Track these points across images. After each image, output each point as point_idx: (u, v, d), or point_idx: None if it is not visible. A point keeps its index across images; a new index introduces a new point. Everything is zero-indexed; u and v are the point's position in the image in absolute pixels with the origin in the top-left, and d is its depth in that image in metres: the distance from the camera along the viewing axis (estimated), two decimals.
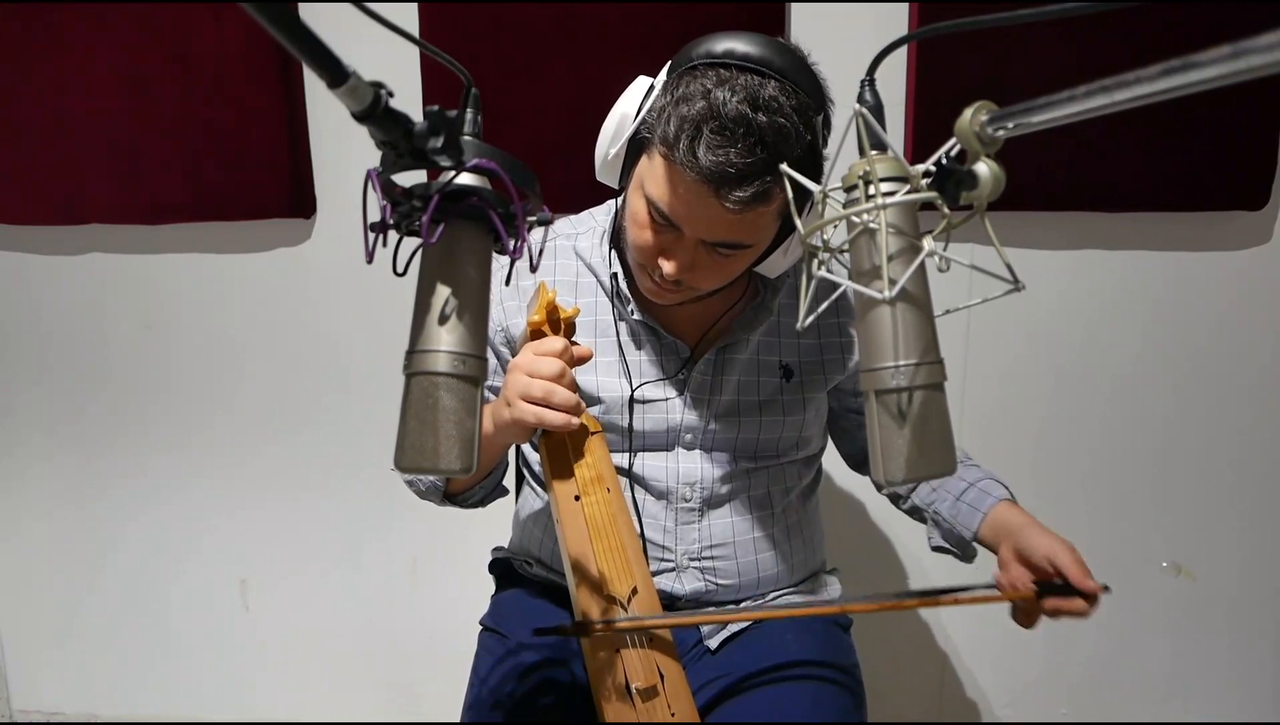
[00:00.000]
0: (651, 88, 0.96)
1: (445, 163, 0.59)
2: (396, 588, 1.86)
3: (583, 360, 0.97)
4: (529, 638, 1.12)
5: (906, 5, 1.49)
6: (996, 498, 1.07)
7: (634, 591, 0.99)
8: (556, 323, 0.98)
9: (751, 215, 0.90)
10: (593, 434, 1.05)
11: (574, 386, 0.92)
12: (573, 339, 0.98)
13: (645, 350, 1.10)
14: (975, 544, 1.09)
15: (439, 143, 0.58)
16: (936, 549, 1.15)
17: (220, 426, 1.82)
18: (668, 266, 0.95)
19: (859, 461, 1.26)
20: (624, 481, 1.10)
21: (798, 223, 0.68)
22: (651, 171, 0.94)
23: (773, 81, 0.87)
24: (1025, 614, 0.97)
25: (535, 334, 0.98)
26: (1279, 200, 1.56)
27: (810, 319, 0.65)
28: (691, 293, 1.00)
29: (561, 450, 1.04)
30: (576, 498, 1.02)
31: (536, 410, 0.91)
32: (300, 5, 1.53)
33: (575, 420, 0.92)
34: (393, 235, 0.64)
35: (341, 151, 1.66)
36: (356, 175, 1.39)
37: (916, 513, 1.18)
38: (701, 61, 0.89)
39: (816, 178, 0.94)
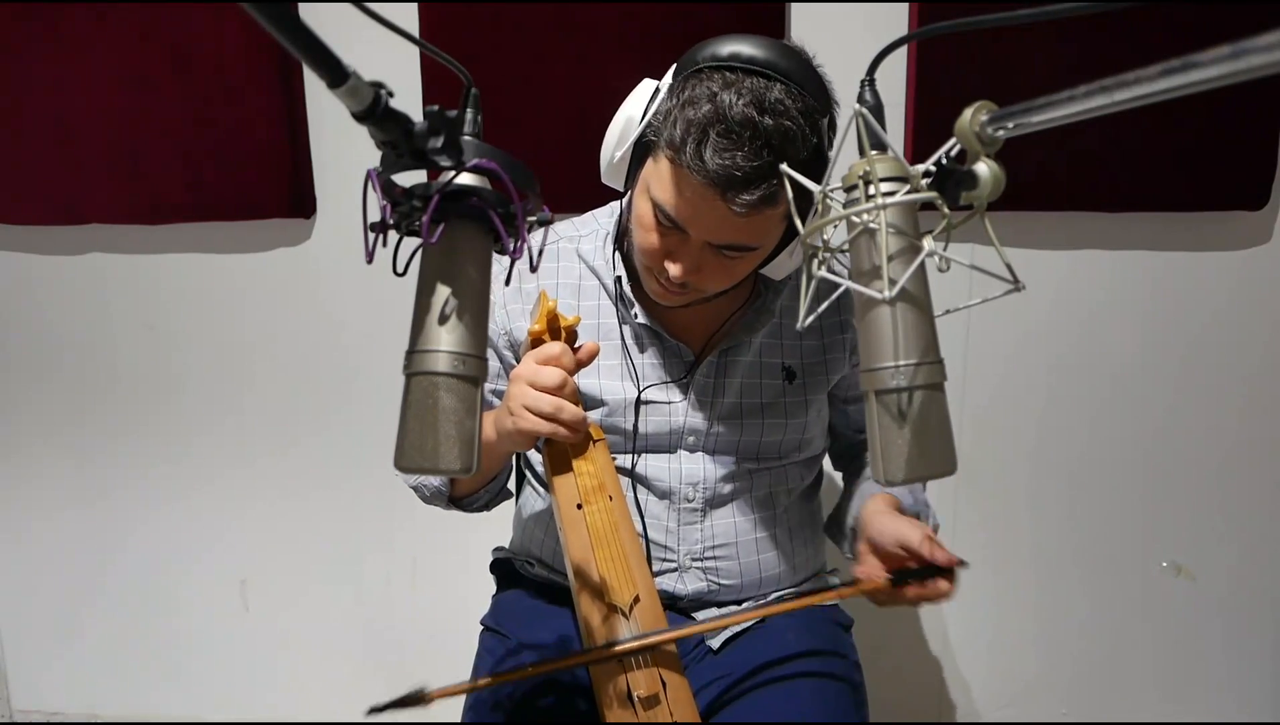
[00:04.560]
0: (657, 91, 0.95)
1: (445, 163, 0.59)
2: (397, 588, 1.86)
3: (589, 358, 0.97)
4: (529, 638, 1.12)
5: (906, 5, 1.49)
6: (882, 491, 1.06)
7: (636, 600, 0.99)
8: (558, 332, 0.98)
9: (759, 218, 0.90)
10: (595, 442, 1.05)
11: (576, 395, 0.92)
12: (575, 346, 0.98)
13: (649, 353, 1.10)
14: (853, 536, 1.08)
15: (439, 143, 0.58)
16: (825, 529, 1.18)
17: (220, 426, 1.82)
18: (674, 269, 0.95)
19: (836, 461, 1.27)
20: (626, 482, 1.10)
21: (799, 224, 0.68)
22: (657, 174, 0.93)
23: (779, 84, 0.87)
24: (885, 599, 0.95)
25: (536, 343, 0.98)
26: (1279, 200, 1.56)
27: (810, 319, 0.65)
28: (698, 295, 1.00)
29: (563, 459, 1.04)
30: (579, 507, 1.02)
31: (538, 421, 0.91)
32: (300, 5, 1.53)
33: (580, 430, 0.92)
34: (393, 235, 0.64)
35: (341, 151, 1.66)
36: (356, 175, 1.39)
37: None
38: (707, 65, 0.89)
39: (820, 179, 0.94)
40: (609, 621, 0.97)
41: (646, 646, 0.96)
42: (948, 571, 0.92)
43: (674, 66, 0.95)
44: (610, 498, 1.03)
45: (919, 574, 0.93)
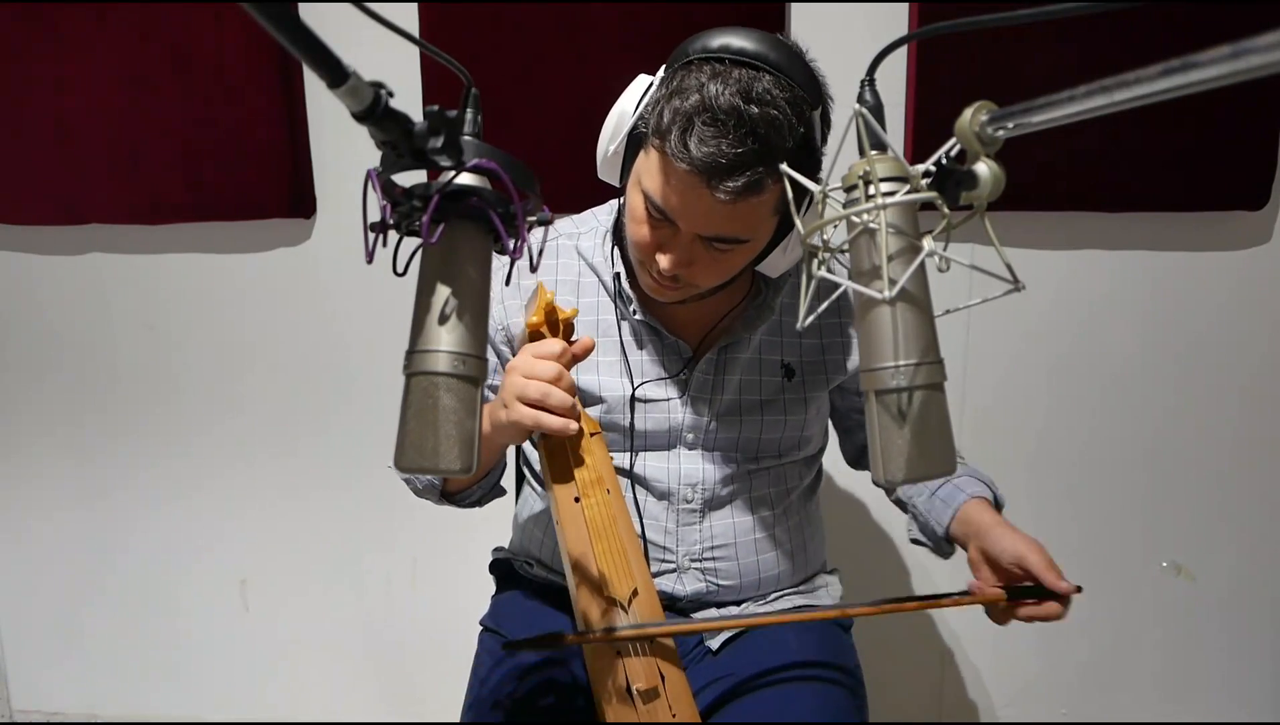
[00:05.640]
0: (650, 85, 0.96)
1: (445, 163, 0.59)
2: (397, 588, 1.86)
3: (585, 352, 0.97)
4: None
5: (906, 5, 1.49)
6: (969, 494, 1.06)
7: (634, 593, 0.99)
8: (555, 324, 0.98)
9: (744, 207, 0.90)
10: (592, 435, 1.05)
11: (572, 389, 0.92)
12: (571, 338, 0.98)
13: (647, 350, 1.10)
14: (948, 541, 1.08)
15: (439, 143, 0.58)
16: (914, 542, 1.16)
17: (220, 426, 1.82)
18: (664, 261, 0.95)
19: (856, 458, 1.26)
20: (625, 482, 1.10)
21: (797, 221, 0.68)
22: (647, 166, 0.94)
23: (767, 75, 0.87)
24: (1000, 614, 0.96)
25: (533, 336, 0.98)
26: (1279, 200, 1.56)
27: (810, 319, 0.65)
28: (692, 290, 1.00)
29: (561, 452, 1.03)
30: (576, 499, 1.02)
31: (533, 413, 0.90)
32: (300, 5, 1.53)
33: (573, 424, 0.91)
34: (393, 235, 0.64)
35: (341, 151, 1.67)
36: (356, 175, 1.39)
37: (901, 504, 1.18)
38: (698, 56, 0.89)
39: (812, 172, 0.94)
40: (607, 615, 0.97)
41: (646, 635, 0.96)
42: (1062, 596, 0.92)
43: (668, 60, 0.95)
44: (608, 491, 1.02)
45: (1034, 593, 0.93)
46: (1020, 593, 0.94)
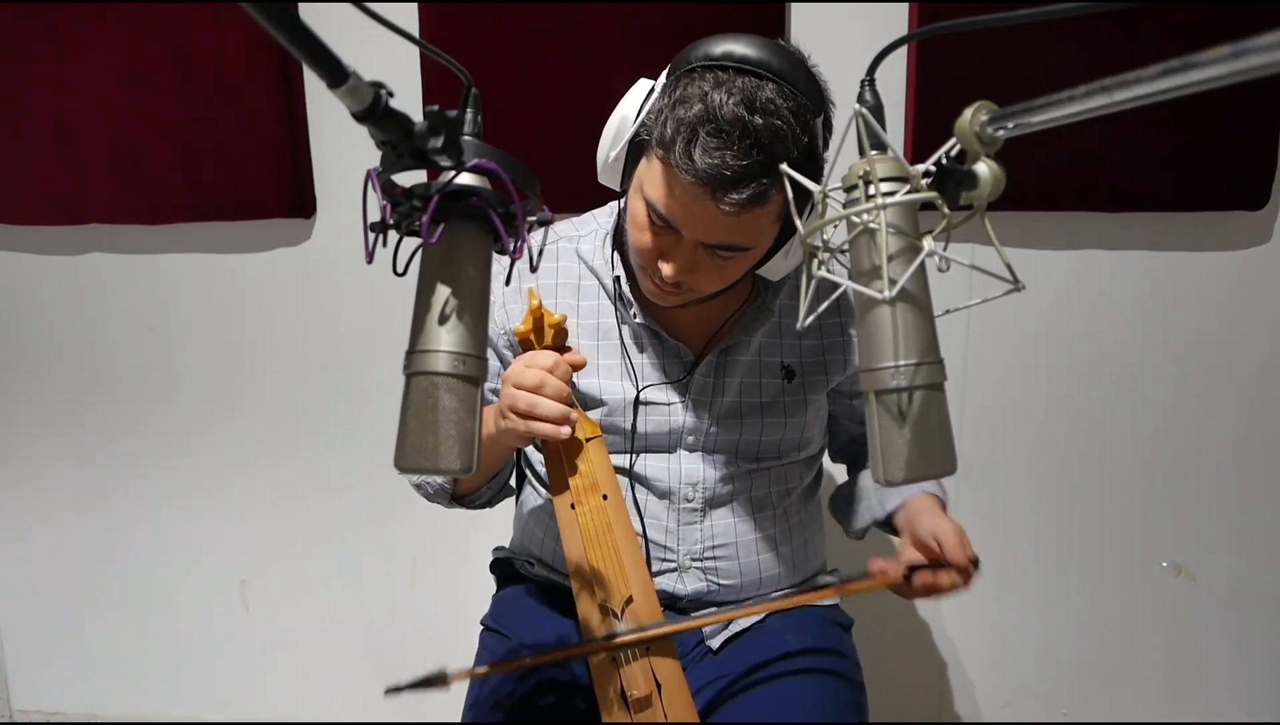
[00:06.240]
0: (652, 90, 0.96)
1: (445, 163, 0.59)
2: (397, 588, 1.86)
3: (578, 366, 0.98)
4: (530, 637, 1.12)
5: (906, 5, 1.49)
6: (922, 490, 1.10)
7: (629, 601, 0.99)
8: (543, 331, 0.98)
9: (749, 217, 0.90)
10: (589, 440, 1.05)
11: (562, 396, 0.92)
12: (567, 342, 0.98)
13: (647, 353, 1.10)
14: (879, 523, 1.13)
15: (439, 143, 0.58)
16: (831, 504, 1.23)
17: (220, 426, 1.82)
18: (667, 269, 0.95)
19: (839, 454, 1.28)
20: (626, 482, 1.10)
21: (799, 224, 0.68)
22: (650, 174, 0.94)
23: (770, 84, 0.87)
24: (903, 589, 1.00)
25: (525, 344, 0.98)
26: (1279, 200, 1.56)
27: (810, 319, 0.65)
28: (693, 295, 1.00)
29: (556, 459, 1.04)
30: (572, 506, 1.02)
31: (523, 422, 0.91)
32: (300, 5, 1.53)
33: (564, 430, 0.91)
34: (393, 235, 0.64)
35: (341, 151, 1.66)
36: (356, 175, 1.39)
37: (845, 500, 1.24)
38: (700, 64, 0.89)
39: (815, 180, 0.93)
40: (604, 623, 0.98)
41: (641, 640, 0.96)
42: (962, 570, 0.95)
43: (669, 66, 0.95)
44: (604, 497, 1.02)
45: (931, 567, 0.96)
46: (918, 568, 0.97)
